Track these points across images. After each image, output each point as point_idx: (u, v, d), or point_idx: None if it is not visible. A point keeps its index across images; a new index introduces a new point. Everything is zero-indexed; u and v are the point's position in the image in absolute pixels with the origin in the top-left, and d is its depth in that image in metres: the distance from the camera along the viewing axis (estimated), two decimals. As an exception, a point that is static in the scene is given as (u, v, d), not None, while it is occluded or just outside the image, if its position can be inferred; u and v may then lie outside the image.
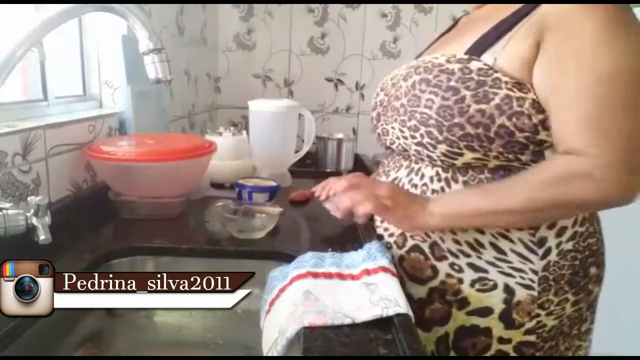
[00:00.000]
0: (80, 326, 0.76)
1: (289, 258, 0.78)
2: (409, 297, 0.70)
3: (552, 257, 0.71)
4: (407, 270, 0.78)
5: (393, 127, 0.79)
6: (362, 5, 2.39)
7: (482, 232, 0.72)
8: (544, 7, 0.65)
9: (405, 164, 0.81)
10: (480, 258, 0.73)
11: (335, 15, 2.40)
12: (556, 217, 0.69)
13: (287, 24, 2.41)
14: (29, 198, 0.68)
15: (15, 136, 0.82)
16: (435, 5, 2.38)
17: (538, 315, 0.72)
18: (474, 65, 0.68)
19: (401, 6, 2.39)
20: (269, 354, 0.60)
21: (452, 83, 0.68)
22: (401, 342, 0.54)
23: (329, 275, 0.68)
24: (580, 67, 0.61)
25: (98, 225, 0.95)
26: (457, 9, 2.23)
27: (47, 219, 0.69)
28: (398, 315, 0.58)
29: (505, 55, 0.67)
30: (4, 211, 0.65)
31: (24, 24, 0.67)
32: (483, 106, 0.66)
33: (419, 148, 0.74)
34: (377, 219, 0.84)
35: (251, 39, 2.42)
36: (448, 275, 0.74)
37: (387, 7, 2.39)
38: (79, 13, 0.73)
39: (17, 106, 0.98)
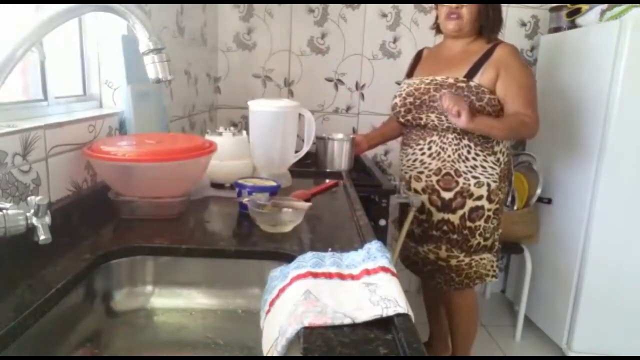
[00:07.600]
0: (80, 326, 0.76)
1: (289, 258, 0.78)
2: (442, 200, 1.65)
3: (501, 166, 1.65)
4: (441, 185, 1.65)
5: (428, 116, 1.62)
6: (362, 5, 2.38)
7: (475, 159, 1.61)
8: (495, 54, 1.58)
9: (435, 132, 1.64)
10: (475, 171, 1.62)
11: (335, 15, 2.40)
12: (519, 134, 1.77)
13: (287, 24, 2.41)
14: (29, 198, 0.68)
15: (15, 136, 0.82)
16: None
17: (498, 194, 1.66)
18: (471, 83, 1.57)
19: (401, 6, 2.39)
20: (269, 354, 0.60)
21: (465, 93, 1.56)
22: (401, 342, 0.55)
23: (329, 275, 0.68)
24: (515, 84, 1.57)
25: (98, 225, 0.95)
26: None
27: (47, 219, 0.69)
28: (398, 315, 0.58)
29: (483, 78, 1.57)
30: (4, 211, 0.65)
31: (24, 24, 0.67)
32: (480, 102, 1.56)
33: (448, 124, 1.60)
34: (422, 177, 1.71)
35: (251, 39, 2.42)
36: (463, 183, 1.63)
37: (387, 7, 2.39)
38: (79, 13, 0.73)
39: (17, 106, 0.98)
